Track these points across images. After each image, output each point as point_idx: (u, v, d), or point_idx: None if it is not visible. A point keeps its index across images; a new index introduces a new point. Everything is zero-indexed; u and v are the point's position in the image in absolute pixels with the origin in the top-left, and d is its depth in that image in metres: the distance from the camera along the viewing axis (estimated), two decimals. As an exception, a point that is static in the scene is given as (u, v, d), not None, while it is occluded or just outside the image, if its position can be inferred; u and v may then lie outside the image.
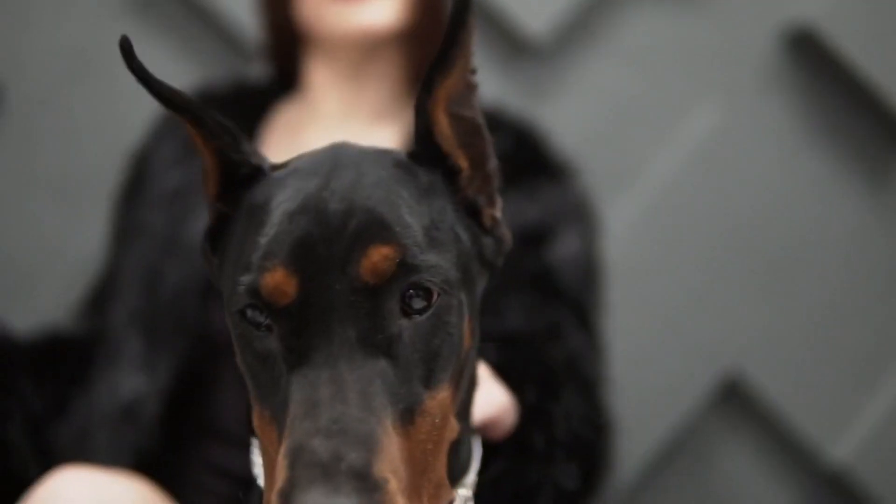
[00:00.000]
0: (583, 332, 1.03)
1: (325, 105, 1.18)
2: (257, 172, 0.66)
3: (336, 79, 1.17)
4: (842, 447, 1.44)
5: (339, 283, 0.58)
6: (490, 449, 0.83)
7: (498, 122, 1.15)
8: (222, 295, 0.67)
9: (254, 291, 0.59)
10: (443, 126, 0.66)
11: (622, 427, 1.10)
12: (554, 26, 1.41)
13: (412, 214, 0.61)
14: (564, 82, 1.45)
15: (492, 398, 0.84)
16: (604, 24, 1.45)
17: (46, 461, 0.97)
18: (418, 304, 0.59)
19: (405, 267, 0.59)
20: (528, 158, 1.13)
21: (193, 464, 1.07)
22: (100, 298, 1.16)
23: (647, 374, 1.41)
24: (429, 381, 0.59)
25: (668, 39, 1.45)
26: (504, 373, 0.88)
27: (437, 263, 0.60)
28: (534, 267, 1.06)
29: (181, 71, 1.39)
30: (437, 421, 0.60)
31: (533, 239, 1.07)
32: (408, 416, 0.57)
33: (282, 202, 0.61)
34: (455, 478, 0.69)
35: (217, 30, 1.41)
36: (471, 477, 0.71)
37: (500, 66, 1.43)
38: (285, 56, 1.22)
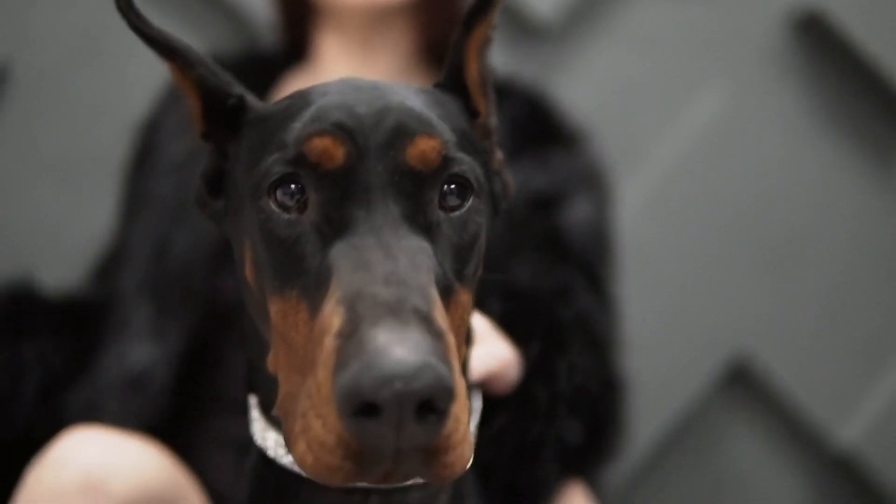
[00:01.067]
0: (593, 294, 1.03)
1: (334, 75, 1.17)
2: (243, 102, 0.67)
3: (345, 49, 1.17)
4: (849, 430, 1.43)
5: (382, 164, 0.58)
6: (494, 403, 0.83)
7: (510, 89, 1.15)
8: (230, 244, 0.67)
9: (297, 158, 0.59)
10: (472, 68, 0.67)
11: (639, 393, 1.09)
12: (562, 9, 1.41)
13: (443, 120, 0.62)
14: (572, 65, 1.45)
15: (495, 352, 0.83)
16: (611, 7, 1.45)
17: (55, 425, 0.96)
18: (453, 201, 0.60)
19: (446, 160, 0.60)
20: (540, 125, 1.13)
21: (202, 434, 1.07)
22: (108, 268, 1.16)
23: (655, 357, 1.40)
24: (459, 276, 0.60)
25: (676, 23, 1.45)
26: (508, 326, 0.88)
27: (473, 163, 0.61)
28: (544, 230, 1.06)
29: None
30: (465, 317, 0.60)
31: (543, 204, 1.07)
32: (445, 298, 0.57)
33: (305, 106, 0.62)
34: None
35: (224, 8, 1.41)
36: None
37: (508, 49, 1.43)
38: (295, 26, 1.22)
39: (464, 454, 0.53)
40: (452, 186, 0.61)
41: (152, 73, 1.27)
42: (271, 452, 0.67)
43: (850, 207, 1.46)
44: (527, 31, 1.43)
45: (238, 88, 0.68)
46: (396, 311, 0.51)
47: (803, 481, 1.47)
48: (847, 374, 1.45)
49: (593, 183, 1.13)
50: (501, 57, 1.39)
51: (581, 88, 1.43)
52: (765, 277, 1.45)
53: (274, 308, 0.59)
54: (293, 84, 1.20)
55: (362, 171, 0.58)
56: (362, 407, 0.48)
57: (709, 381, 1.43)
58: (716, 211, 1.45)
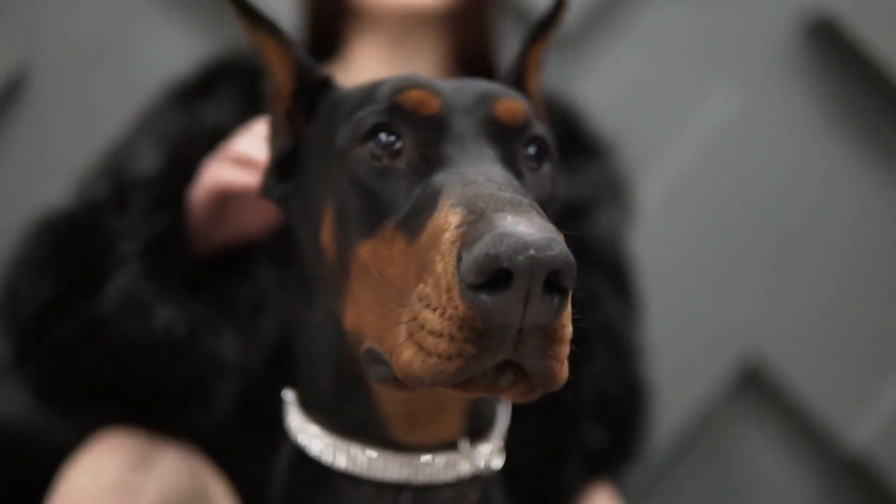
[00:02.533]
0: (619, 300, 1.03)
1: (368, 74, 1.16)
2: (330, 82, 0.70)
3: (377, 53, 1.16)
4: (861, 432, 1.44)
5: (473, 118, 0.62)
6: (520, 409, 0.83)
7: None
8: (297, 216, 0.70)
9: (392, 107, 0.61)
10: (532, 78, 0.72)
11: (658, 397, 1.10)
12: (576, 14, 1.42)
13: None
14: (586, 69, 1.46)
15: None
16: (625, 11, 1.46)
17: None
18: (531, 163, 0.64)
19: (529, 122, 0.63)
20: (568, 135, 1.14)
21: (263, 449, 1.05)
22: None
23: (667, 359, 1.40)
24: None
25: (688, 27, 1.46)
26: None
27: (548, 134, 0.65)
28: (570, 238, 1.06)
29: (204, 52, 1.39)
30: None
31: (570, 213, 1.07)
32: None
33: (388, 80, 0.64)
34: (480, 430, 0.70)
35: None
36: (498, 432, 0.72)
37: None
38: (327, 25, 1.20)
39: (565, 365, 0.54)
40: (532, 150, 0.64)
41: (169, 75, 1.29)
42: (306, 445, 0.68)
43: (861, 209, 1.47)
44: (541, 34, 1.44)
45: (322, 71, 0.71)
46: (516, 205, 0.52)
47: (815, 483, 1.47)
48: (859, 377, 1.46)
49: (618, 194, 1.14)
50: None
51: (595, 91, 1.44)
52: (776, 279, 1.46)
53: (364, 250, 0.60)
54: None
55: (455, 121, 0.61)
56: (494, 276, 0.49)
57: (721, 384, 1.44)
58: (727, 213, 1.45)
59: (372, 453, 0.66)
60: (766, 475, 1.47)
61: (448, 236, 0.52)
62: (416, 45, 1.16)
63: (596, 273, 1.03)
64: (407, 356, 0.53)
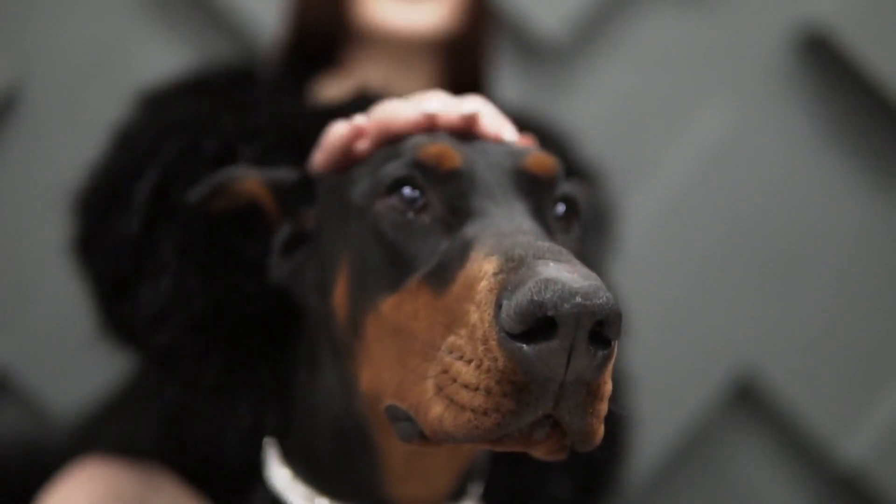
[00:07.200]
0: None
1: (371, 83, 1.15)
2: (307, 174, 0.70)
3: (374, 71, 1.15)
4: (855, 446, 1.44)
5: (501, 169, 0.60)
6: (490, 458, 0.83)
7: (527, 126, 1.14)
8: (305, 287, 0.68)
9: (414, 162, 0.59)
10: None
11: (637, 428, 1.09)
12: (568, 26, 1.42)
13: None
14: (578, 82, 1.46)
15: None
16: (618, 24, 1.46)
17: None
18: (560, 224, 0.62)
19: (560, 178, 0.62)
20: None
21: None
22: None
23: (660, 374, 1.40)
24: None
25: (682, 40, 1.46)
26: None
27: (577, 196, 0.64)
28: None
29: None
30: None
31: None
32: None
33: (407, 139, 0.63)
34: (463, 490, 0.70)
35: (232, 29, 1.42)
36: (477, 491, 0.72)
37: (514, 66, 1.43)
38: (321, 38, 1.17)
39: (602, 426, 0.51)
40: (561, 209, 0.62)
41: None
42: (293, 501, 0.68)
43: (855, 224, 1.47)
44: (533, 50, 1.44)
45: (293, 171, 0.71)
46: (556, 253, 0.50)
47: (809, 497, 1.47)
48: (852, 391, 1.45)
49: (603, 223, 1.13)
50: (508, 77, 1.40)
51: (587, 107, 1.44)
52: (770, 294, 1.45)
53: (387, 305, 0.57)
54: (328, 89, 1.16)
55: (482, 173, 0.59)
56: (538, 324, 0.46)
57: (715, 399, 1.44)
58: (720, 227, 1.45)
59: None
60: (760, 489, 1.47)
61: (485, 284, 0.49)
62: (412, 67, 1.15)
63: None
64: (437, 412, 0.50)
